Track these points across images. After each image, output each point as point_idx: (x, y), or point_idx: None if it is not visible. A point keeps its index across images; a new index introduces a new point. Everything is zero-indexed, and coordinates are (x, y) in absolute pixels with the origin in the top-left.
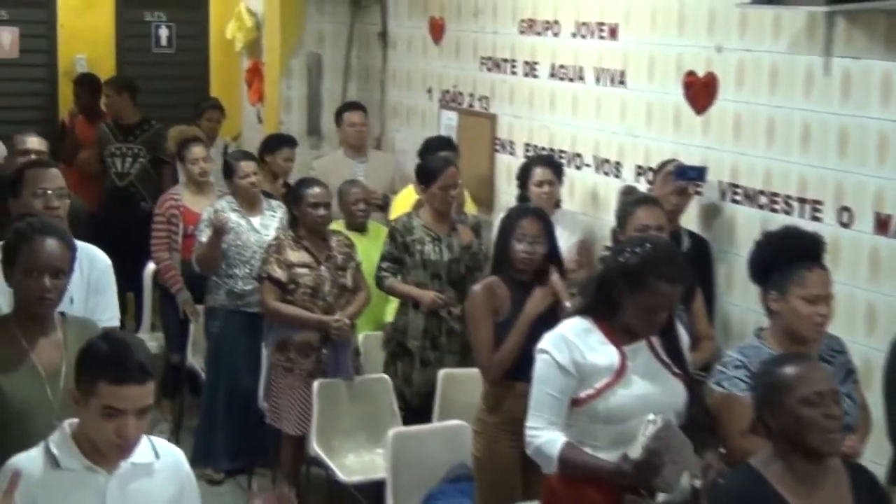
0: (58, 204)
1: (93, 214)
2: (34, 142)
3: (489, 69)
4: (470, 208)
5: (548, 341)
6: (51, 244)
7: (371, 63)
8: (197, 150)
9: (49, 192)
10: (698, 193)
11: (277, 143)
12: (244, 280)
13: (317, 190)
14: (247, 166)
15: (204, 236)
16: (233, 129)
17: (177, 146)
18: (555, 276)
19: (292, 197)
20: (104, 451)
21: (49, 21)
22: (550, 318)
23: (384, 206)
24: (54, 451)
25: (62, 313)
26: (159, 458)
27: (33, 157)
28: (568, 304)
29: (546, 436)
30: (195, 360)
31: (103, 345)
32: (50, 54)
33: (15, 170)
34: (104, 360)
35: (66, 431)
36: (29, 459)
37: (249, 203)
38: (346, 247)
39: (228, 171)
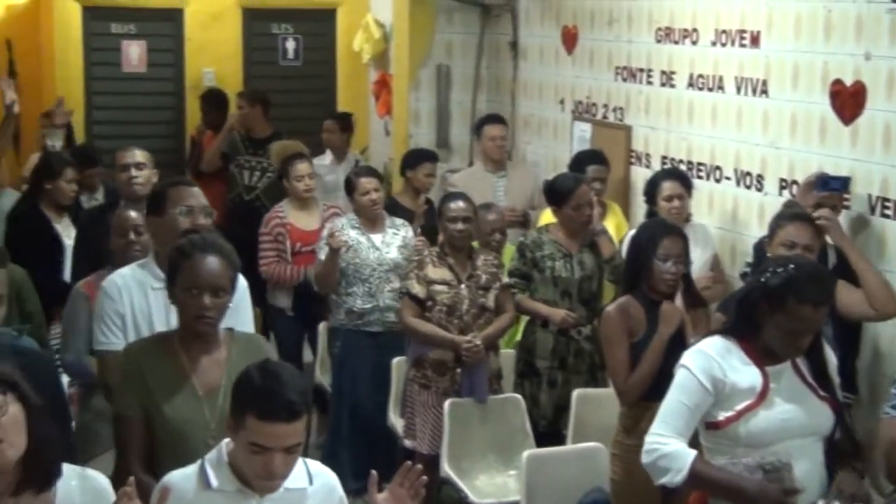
0: (204, 221)
1: (217, 227)
2: (138, 155)
3: (624, 79)
4: (619, 225)
5: (689, 357)
6: (211, 262)
7: (501, 74)
8: (301, 167)
9: (195, 209)
10: (845, 207)
11: (418, 158)
12: (363, 298)
13: (460, 204)
14: (367, 183)
15: (322, 254)
16: (360, 143)
17: (280, 162)
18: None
19: (436, 211)
20: (252, 481)
21: (176, 35)
22: (678, 337)
23: (525, 223)
24: (209, 470)
25: (230, 329)
26: (312, 483)
27: (133, 171)
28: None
29: (674, 445)
30: (323, 378)
31: (257, 376)
32: (177, 68)
33: (156, 188)
34: (254, 393)
35: (222, 451)
36: (184, 478)
37: (371, 220)
38: (494, 267)
39: (349, 188)
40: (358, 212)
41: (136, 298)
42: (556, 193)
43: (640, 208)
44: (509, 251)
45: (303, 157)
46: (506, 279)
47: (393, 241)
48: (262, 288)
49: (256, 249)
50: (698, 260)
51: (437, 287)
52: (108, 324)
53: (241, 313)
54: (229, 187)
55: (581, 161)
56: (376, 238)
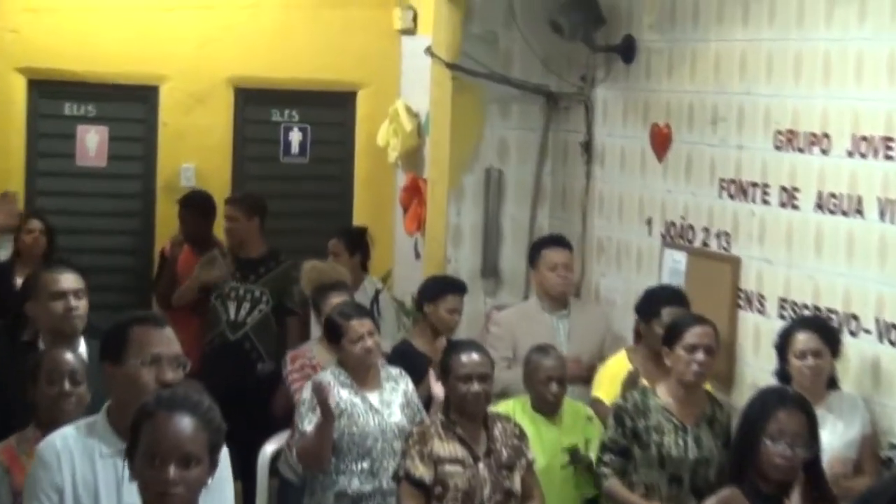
0: (173, 376)
1: (191, 376)
2: (69, 280)
3: (731, 195)
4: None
5: None
6: (180, 422)
7: (570, 183)
8: (338, 300)
9: (163, 359)
10: None
11: (440, 288)
12: (362, 477)
13: (474, 357)
14: (360, 326)
15: (308, 423)
16: (382, 266)
17: (313, 292)
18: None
19: (441, 366)
20: None
21: (148, 120)
22: None
23: (590, 380)
24: None
25: None
26: None
27: (71, 300)
28: None
29: None
30: None
31: None
32: (147, 163)
33: (116, 327)
34: None
35: None
36: None
37: (362, 375)
38: (516, 438)
39: (335, 333)
40: (345, 363)
41: (79, 468)
42: (670, 330)
43: (748, 368)
44: (573, 412)
45: (341, 288)
46: (531, 455)
47: (392, 398)
48: (248, 454)
49: (247, 406)
50: (840, 438)
51: (449, 468)
52: (43, 501)
53: (222, 491)
54: (208, 323)
55: (654, 300)
56: (373, 397)
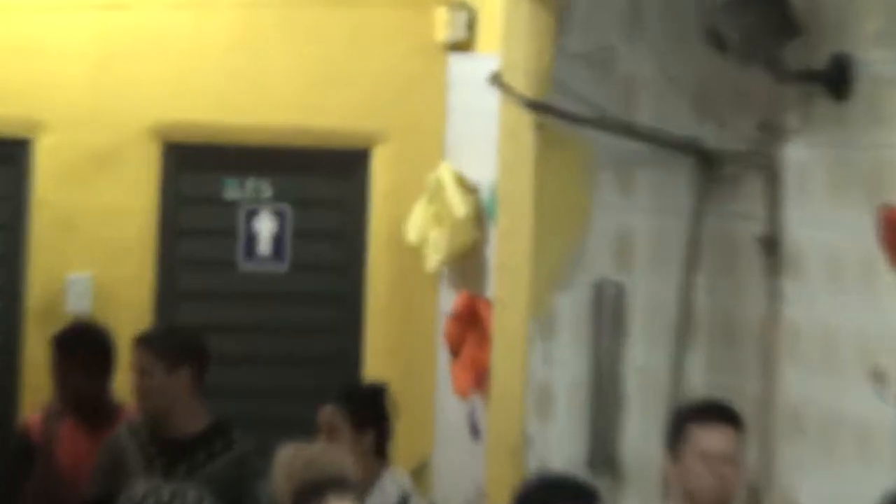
0: None
1: None
2: None
3: None
4: None
5: None
6: None
7: (740, 308)
8: None
9: None
10: None
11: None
12: None
13: None
14: None
15: None
16: (412, 453)
17: (294, 496)
18: None
19: None
20: None
21: (15, 195)
22: None
23: None
24: None
25: None
26: None
27: None
28: None
29: None
30: None
31: None
32: (11, 269)
33: None
34: None
35: None
36: None
37: None
38: None
39: None
40: None
41: None
42: None
43: None
44: None
45: (343, 492)
46: None
47: None
48: None
49: None
50: None
51: None
52: None
53: None
54: None
55: None
56: None
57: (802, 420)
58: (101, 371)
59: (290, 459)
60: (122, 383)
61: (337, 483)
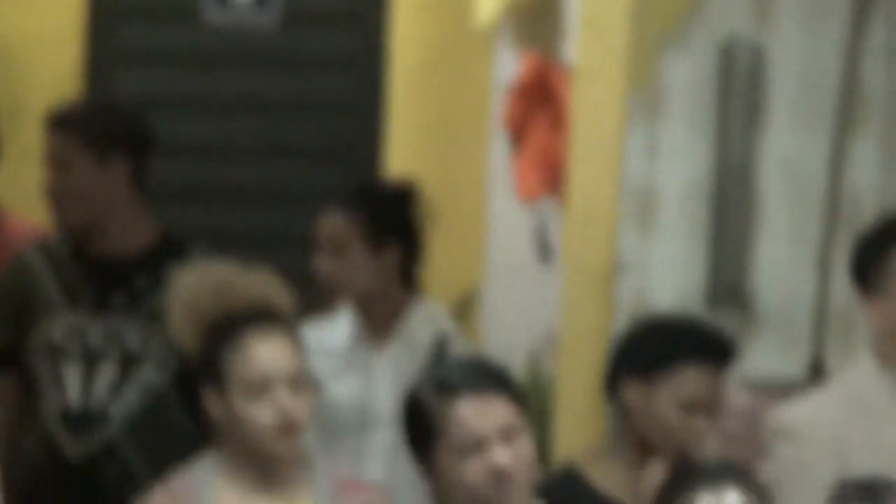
0: None
1: None
2: None
3: None
4: None
5: None
6: None
7: None
8: (262, 352)
9: None
10: None
11: (680, 347)
12: None
13: None
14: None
15: None
16: (455, 282)
17: (199, 338)
18: None
19: None
20: None
21: None
22: None
23: None
24: None
25: None
26: None
27: None
28: None
29: None
30: None
31: None
32: None
33: None
34: None
35: None
36: None
37: None
38: None
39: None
40: None
41: None
42: None
43: None
44: None
45: (269, 326)
46: None
47: None
48: None
49: None
50: None
51: None
52: None
53: None
54: (25, 417)
55: None
56: None
57: None
58: None
59: (194, 285)
60: (30, 179)
61: (260, 315)
